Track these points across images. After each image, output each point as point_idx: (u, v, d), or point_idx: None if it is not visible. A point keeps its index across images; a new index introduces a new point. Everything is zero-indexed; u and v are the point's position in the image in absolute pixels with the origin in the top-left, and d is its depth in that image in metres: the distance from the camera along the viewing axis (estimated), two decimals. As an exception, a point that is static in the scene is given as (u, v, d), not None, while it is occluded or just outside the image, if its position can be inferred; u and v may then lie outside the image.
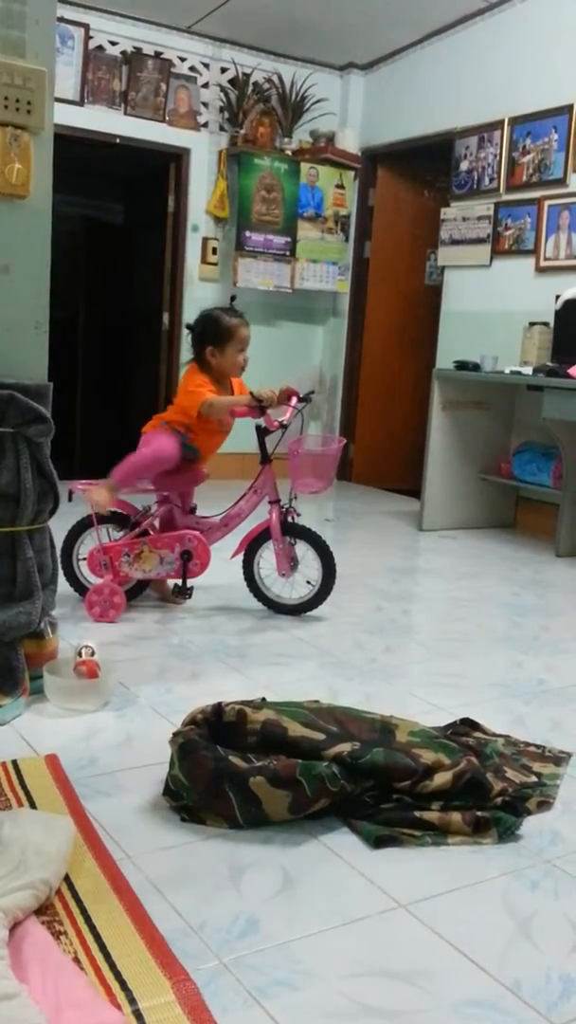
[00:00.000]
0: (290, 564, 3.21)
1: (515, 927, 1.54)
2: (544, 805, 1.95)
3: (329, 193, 6.18)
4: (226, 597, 3.42)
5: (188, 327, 3.21)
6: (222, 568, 3.57)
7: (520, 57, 5.14)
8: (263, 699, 2.16)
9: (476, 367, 4.86)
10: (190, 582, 3.17)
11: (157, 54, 5.64)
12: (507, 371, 4.71)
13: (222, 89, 5.90)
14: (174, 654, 2.78)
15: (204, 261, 5.99)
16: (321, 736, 1.89)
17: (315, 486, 3.14)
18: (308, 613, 3.25)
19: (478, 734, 2.26)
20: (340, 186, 6.21)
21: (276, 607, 3.27)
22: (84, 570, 3.18)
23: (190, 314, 5.98)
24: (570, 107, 4.81)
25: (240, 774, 1.77)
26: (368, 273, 6.44)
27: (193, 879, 1.61)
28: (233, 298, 3.29)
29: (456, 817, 1.83)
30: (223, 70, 5.91)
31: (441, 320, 5.76)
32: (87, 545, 3.15)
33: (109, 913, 1.48)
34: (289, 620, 3.20)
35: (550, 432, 4.49)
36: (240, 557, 3.25)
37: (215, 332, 3.10)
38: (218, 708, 1.94)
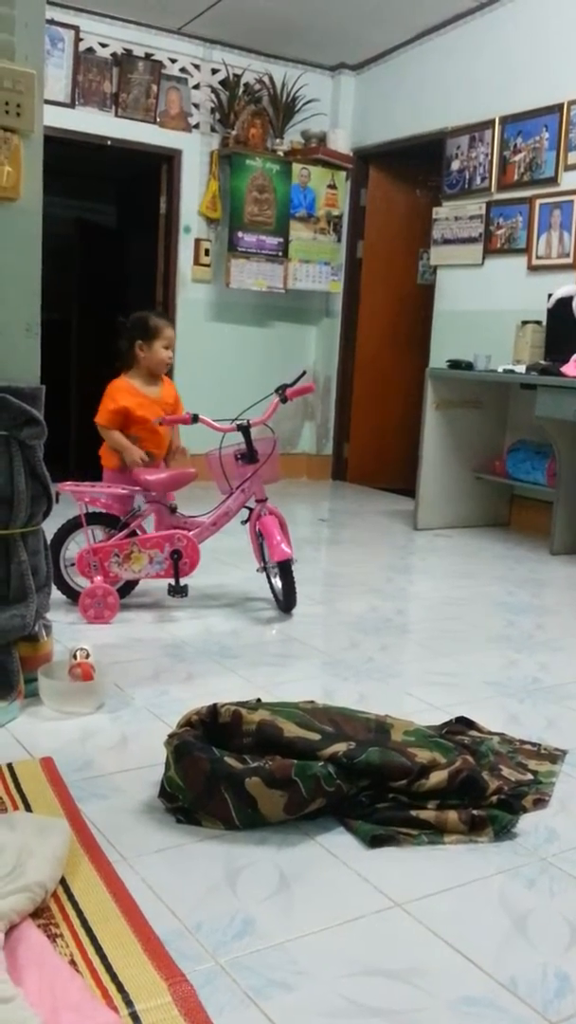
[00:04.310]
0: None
1: (511, 925, 1.54)
2: (540, 803, 1.96)
3: (321, 193, 6.18)
4: (220, 597, 3.42)
5: (120, 322, 3.52)
6: (216, 568, 3.58)
7: (510, 57, 5.15)
8: (258, 700, 2.16)
9: (469, 366, 4.86)
10: (182, 581, 3.17)
11: (148, 56, 5.64)
12: (500, 370, 4.71)
13: (213, 90, 5.91)
14: (169, 655, 2.78)
15: (197, 262, 5.99)
16: (316, 736, 1.89)
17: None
18: (303, 613, 3.26)
19: (473, 732, 2.26)
20: (332, 186, 6.22)
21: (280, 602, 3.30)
22: (73, 573, 3.18)
23: (183, 316, 6.02)
24: (560, 106, 4.82)
25: (235, 775, 1.77)
26: (361, 273, 6.45)
27: (189, 880, 1.61)
28: (160, 303, 3.54)
29: (452, 816, 1.83)
30: (214, 71, 5.91)
31: (434, 319, 5.76)
32: (73, 549, 3.16)
33: (105, 915, 1.47)
34: (284, 620, 3.20)
35: (544, 430, 4.50)
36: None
37: (144, 329, 3.43)
38: (213, 709, 1.94)
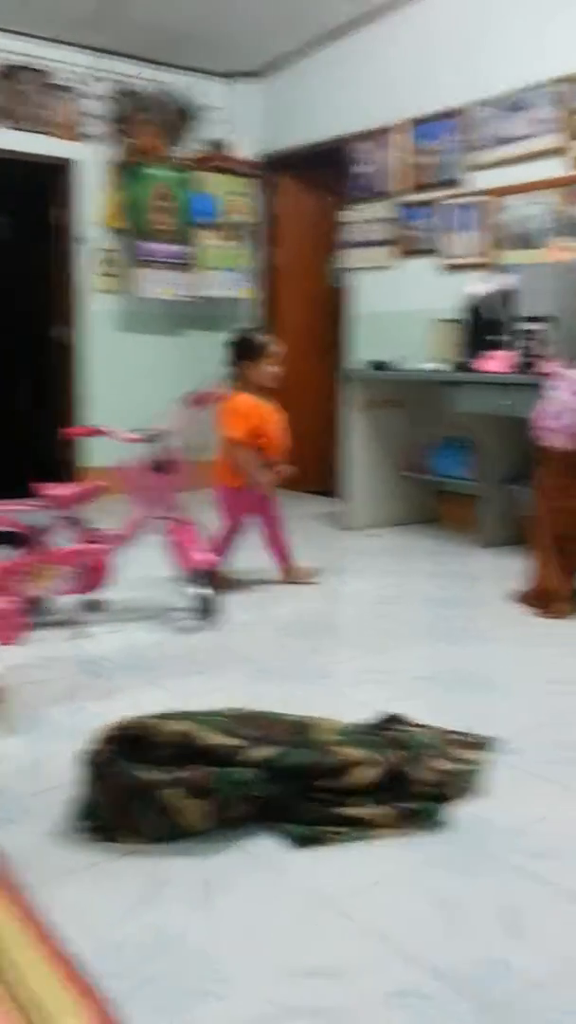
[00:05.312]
0: None
1: (441, 915, 1.51)
2: (468, 791, 1.94)
3: (225, 201, 6.15)
4: (141, 610, 3.35)
5: (227, 344, 3.66)
6: (133, 580, 3.51)
7: (410, 61, 5.20)
8: (180, 710, 2.09)
9: (389, 367, 4.88)
10: (97, 595, 3.10)
11: (36, 67, 5.56)
12: (419, 368, 4.74)
13: (107, 99, 5.85)
14: (87, 672, 2.70)
15: (102, 273, 5.92)
16: (239, 742, 1.84)
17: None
18: (232, 620, 3.21)
19: (402, 727, 2.23)
20: (236, 193, 6.19)
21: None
22: None
23: (91, 328, 5.92)
24: (461, 109, 4.88)
25: (154, 787, 1.71)
26: (274, 279, 6.44)
27: (110, 899, 1.55)
28: (260, 327, 3.68)
29: (380, 810, 1.80)
30: (107, 80, 5.85)
31: (350, 322, 5.78)
32: None
33: (19, 943, 1.40)
34: (212, 629, 3.14)
35: (466, 426, 4.53)
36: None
37: (248, 349, 3.58)
38: (130, 722, 1.88)
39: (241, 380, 3.61)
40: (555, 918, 1.51)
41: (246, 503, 3.59)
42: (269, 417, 3.59)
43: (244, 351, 3.59)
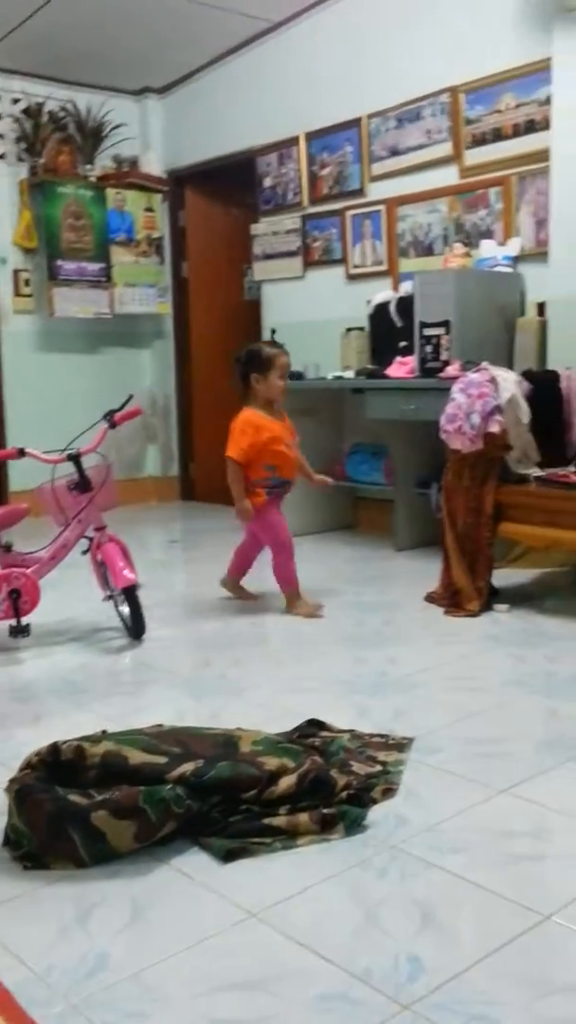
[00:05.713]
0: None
1: (363, 917, 1.57)
2: (389, 792, 2.01)
3: (139, 217, 6.17)
4: (67, 632, 3.35)
5: (236, 359, 3.57)
6: (60, 602, 3.50)
7: (308, 74, 5.29)
8: (104, 731, 2.12)
9: (300, 376, 4.96)
10: (24, 620, 3.09)
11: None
12: (330, 377, 4.84)
13: (16, 120, 5.80)
14: (14, 699, 2.69)
15: (17, 294, 5.87)
16: (163, 759, 1.88)
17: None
18: (156, 637, 3.23)
19: (324, 733, 2.30)
20: (149, 209, 6.22)
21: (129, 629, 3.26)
22: None
23: (8, 349, 5.86)
24: (359, 120, 5.00)
25: (81, 811, 1.73)
26: (188, 293, 6.47)
27: (38, 926, 1.57)
28: (273, 331, 3.71)
29: (303, 818, 1.86)
30: (15, 100, 5.80)
31: (263, 333, 5.84)
32: None
33: (-51, 978, 1.41)
34: (135, 647, 3.17)
35: (377, 432, 4.64)
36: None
37: (258, 362, 3.48)
38: (54, 747, 1.90)
39: (250, 394, 3.54)
40: (468, 912, 1.59)
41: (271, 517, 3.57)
42: (276, 432, 3.52)
43: (252, 364, 3.51)
